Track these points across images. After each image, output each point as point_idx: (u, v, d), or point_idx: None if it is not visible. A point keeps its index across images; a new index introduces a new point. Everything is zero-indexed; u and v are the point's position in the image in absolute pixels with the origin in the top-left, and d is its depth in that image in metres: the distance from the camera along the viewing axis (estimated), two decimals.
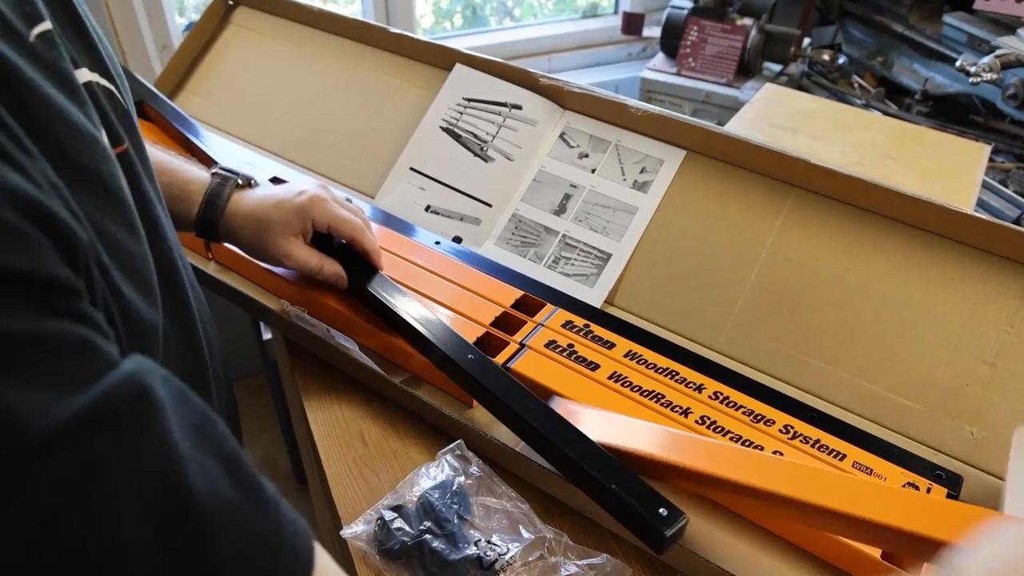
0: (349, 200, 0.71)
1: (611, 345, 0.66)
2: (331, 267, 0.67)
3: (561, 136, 0.82)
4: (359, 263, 0.68)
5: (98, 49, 0.41)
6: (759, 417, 0.61)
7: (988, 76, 1.15)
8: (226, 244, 0.70)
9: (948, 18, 1.35)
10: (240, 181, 0.66)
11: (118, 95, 0.42)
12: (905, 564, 0.51)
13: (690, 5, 1.53)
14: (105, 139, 0.36)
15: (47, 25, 0.34)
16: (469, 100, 0.86)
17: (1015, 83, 1.21)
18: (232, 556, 0.28)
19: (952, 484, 0.57)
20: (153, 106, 0.90)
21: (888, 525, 0.45)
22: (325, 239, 0.68)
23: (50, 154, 0.30)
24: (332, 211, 0.66)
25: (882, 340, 0.65)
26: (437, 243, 0.78)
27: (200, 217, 0.64)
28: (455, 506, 0.56)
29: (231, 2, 1.07)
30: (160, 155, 0.65)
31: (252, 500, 0.30)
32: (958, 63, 1.22)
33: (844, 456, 0.58)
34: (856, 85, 1.49)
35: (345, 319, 0.69)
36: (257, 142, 0.95)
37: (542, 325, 0.68)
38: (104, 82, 0.40)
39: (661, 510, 0.49)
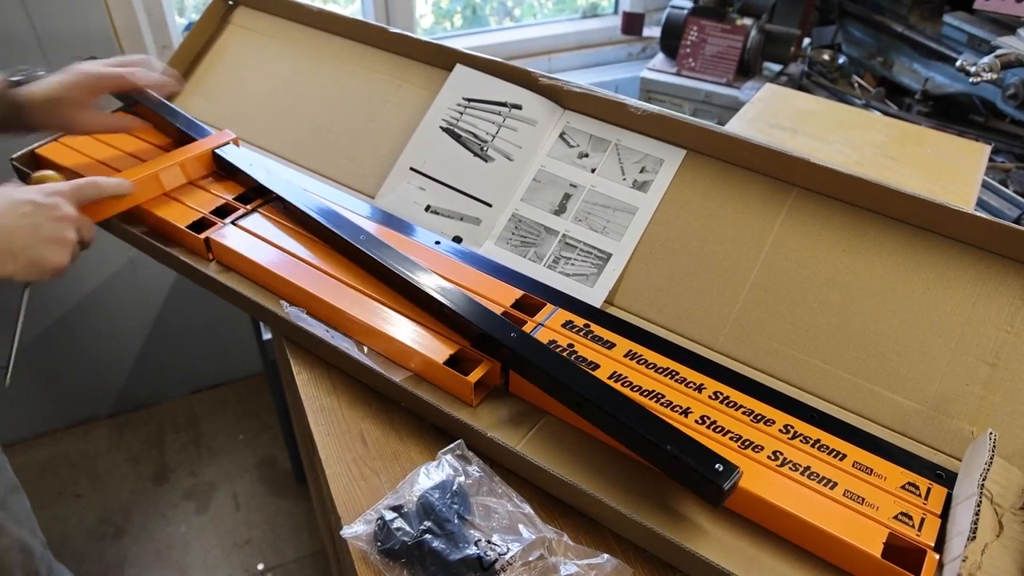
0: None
1: (611, 345, 0.66)
2: (114, 120, 0.85)
3: (561, 136, 0.82)
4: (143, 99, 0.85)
5: None
6: (759, 417, 0.61)
7: (988, 76, 1.14)
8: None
9: (948, 18, 1.35)
10: (28, 76, 0.78)
11: None
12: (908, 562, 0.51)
13: (690, 5, 1.53)
14: None
15: None
16: (469, 100, 0.86)
17: (1015, 83, 1.21)
18: None
19: (952, 483, 0.57)
20: (148, 105, 0.89)
21: None
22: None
23: None
24: (102, 79, 0.79)
25: (882, 339, 0.65)
26: (437, 243, 0.78)
27: (6, 118, 0.77)
28: (455, 506, 0.56)
29: (231, 2, 1.07)
30: None
31: None
32: (958, 63, 1.22)
33: (844, 456, 0.58)
34: (856, 85, 1.49)
35: (345, 319, 0.69)
36: (257, 142, 0.95)
37: (542, 325, 0.68)
38: None
39: (717, 466, 0.52)
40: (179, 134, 0.87)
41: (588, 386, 0.59)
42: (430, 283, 0.68)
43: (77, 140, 0.92)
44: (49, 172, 0.80)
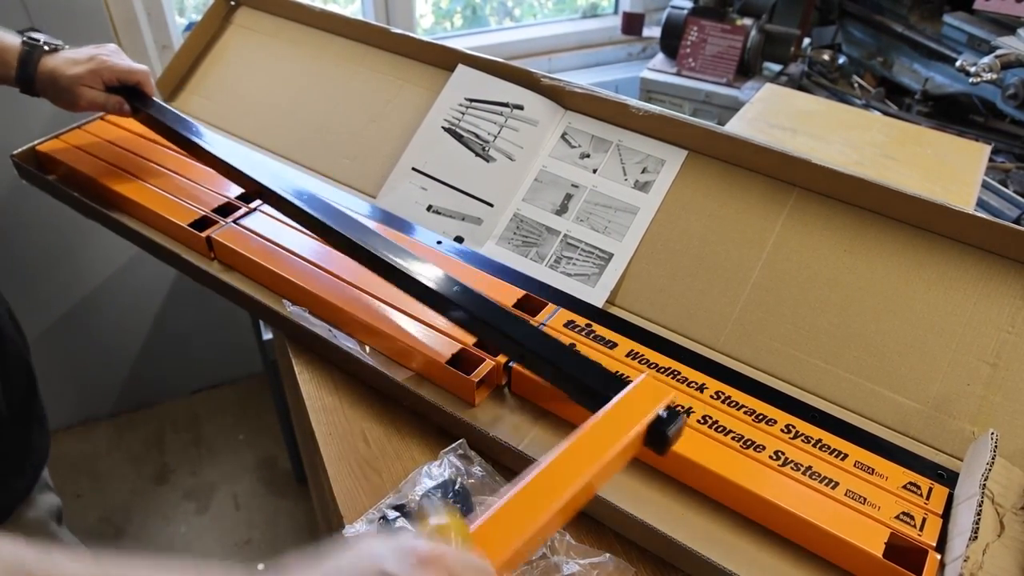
0: None
1: (613, 345, 0.66)
2: (114, 100, 0.83)
3: (563, 136, 0.82)
4: (140, 97, 0.85)
5: None
6: (760, 417, 0.61)
7: (988, 76, 1.14)
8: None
9: (948, 18, 1.36)
10: (46, 47, 0.81)
11: None
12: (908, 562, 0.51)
13: (690, 5, 1.53)
14: None
15: None
16: (471, 100, 0.86)
17: (1015, 83, 1.21)
18: None
19: (953, 483, 0.57)
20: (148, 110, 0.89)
21: None
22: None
23: None
24: (117, 67, 0.82)
25: (883, 339, 0.65)
26: (439, 243, 0.78)
27: (17, 78, 0.80)
28: (457, 505, 0.56)
29: (232, 2, 1.07)
30: None
31: None
32: (958, 63, 1.22)
33: (846, 456, 0.58)
34: (856, 85, 1.49)
35: (347, 318, 0.69)
36: (258, 142, 0.95)
37: (544, 325, 0.68)
38: None
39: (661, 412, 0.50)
40: (184, 141, 0.86)
41: (530, 336, 0.60)
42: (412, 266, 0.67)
43: (78, 137, 0.92)
44: (447, 517, 0.44)
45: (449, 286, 0.64)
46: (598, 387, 0.55)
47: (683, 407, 0.57)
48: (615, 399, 0.52)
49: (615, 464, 0.50)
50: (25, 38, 0.81)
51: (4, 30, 0.82)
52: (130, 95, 0.85)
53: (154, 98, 0.87)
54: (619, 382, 0.54)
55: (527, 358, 0.60)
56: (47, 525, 0.83)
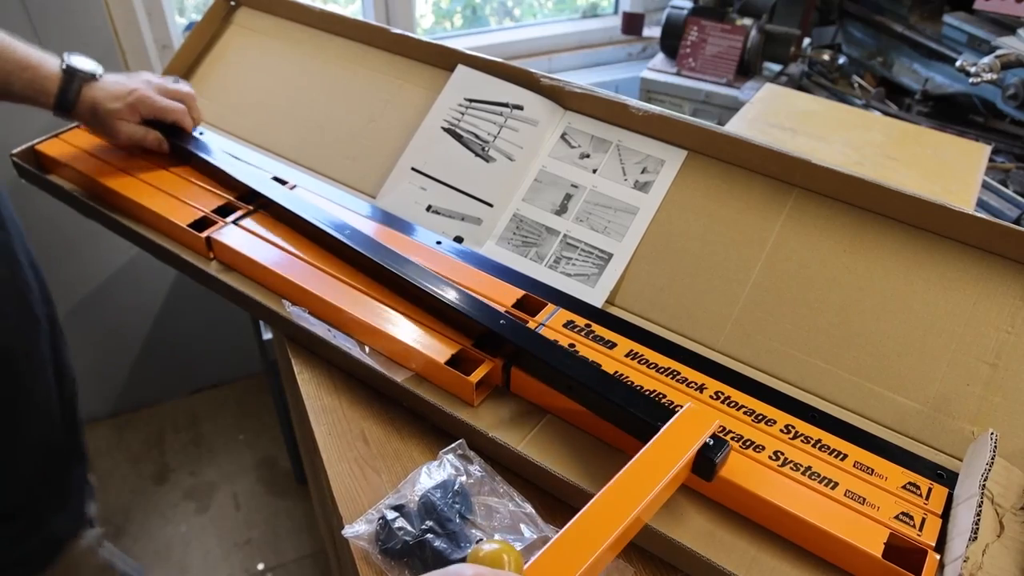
0: (177, 80, 0.91)
1: (612, 345, 0.66)
2: (153, 135, 0.86)
3: (562, 136, 0.82)
4: (178, 133, 0.88)
5: None
6: (760, 417, 0.61)
7: (988, 76, 1.14)
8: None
9: (948, 18, 1.36)
10: (85, 76, 0.82)
11: None
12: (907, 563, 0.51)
13: (690, 5, 1.53)
14: None
15: None
16: (471, 100, 0.86)
17: (1015, 83, 1.21)
18: None
19: (953, 483, 0.57)
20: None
21: None
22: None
23: None
24: (155, 104, 0.85)
25: (883, 339, 0.65)
26: (438, 243, 0.78)
27: (56, 106, 0.82)
28: (457, 505, 0.56)
29: (232, 2, 1.07)
30: (19, 52, 0.81)
31: None
32: (958, 63, 1.22)
33: (845, 456, 0.58)
34: (856, 85, 1.49)
35: (347, 318, 0.69)
36: (258, 142, 0.95)
37: (543, 325, 0.68)
38: None
39: (709, 440, 0.53)
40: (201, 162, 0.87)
41: (576, 367, 0.60)
42: (421, 277, 0.69)
43: (77, 137, 0.92)
44: (499, 544, 0.45)
45: (495, 319, 0.65)
46: (646, 417, 0.56)
47: (726, 429, 0.59)
48: (663, 428, 0.54)
49: (665, 493, 0.51)
50: (65, 66, 0.81)
51: (44, 52, 0.82)
52: (169, 130, 0.87)
53: (194, 134, 0.88)
54: (666, 411, 0.56)
55: (575, 389, 0.60)
56: (96, 553, 0.87)
